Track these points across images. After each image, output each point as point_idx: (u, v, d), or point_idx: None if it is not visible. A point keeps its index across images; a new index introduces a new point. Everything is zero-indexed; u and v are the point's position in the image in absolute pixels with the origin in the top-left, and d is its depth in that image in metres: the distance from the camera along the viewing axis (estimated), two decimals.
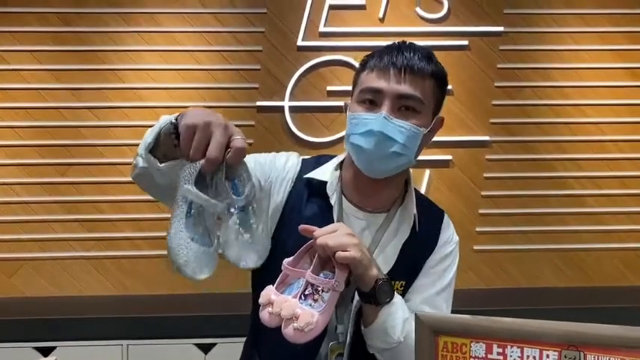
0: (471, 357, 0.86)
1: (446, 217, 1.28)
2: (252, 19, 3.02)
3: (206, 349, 2.50)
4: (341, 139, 3.00)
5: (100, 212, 2.98)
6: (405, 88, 1.08)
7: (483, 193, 3.05)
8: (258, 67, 3.01)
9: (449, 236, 1.25)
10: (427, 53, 1.13)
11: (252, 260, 0.95)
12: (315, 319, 0.93)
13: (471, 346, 0.86)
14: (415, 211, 1.19)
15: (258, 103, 3.01)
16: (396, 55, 1.10)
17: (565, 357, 0.81)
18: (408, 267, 1.19)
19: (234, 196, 0.87)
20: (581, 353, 0.80)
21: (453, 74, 3.04)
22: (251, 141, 2.95)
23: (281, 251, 1.07)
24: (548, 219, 3.07)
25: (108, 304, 2.85)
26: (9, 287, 2.95)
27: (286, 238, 1.16)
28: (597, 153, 3.08)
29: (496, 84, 3.07)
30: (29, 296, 2.95)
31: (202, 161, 0.83)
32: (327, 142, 3.00)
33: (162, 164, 0.92)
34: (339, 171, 1.23)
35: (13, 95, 2.95)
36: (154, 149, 0.94)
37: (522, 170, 3.05)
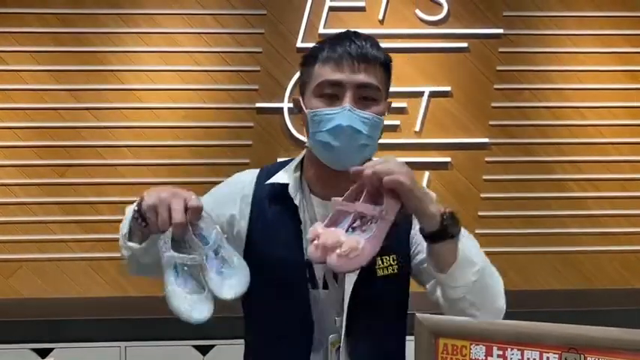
0: (471, 359, 0.86)
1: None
2: (251, 20, 3.02)
3: (204, 350, 2.48)
4: None
5: (99, 213, 2.98)
6: (363, 77, 1.09)
7: (482, 195, 3.05)
8: (258, 68, 3.01)
9: None
10: (375, 41, 1.14)
11: (239, 287, 1.01)
12: (361, 246, 0.90)
13: (471, 349, 0.86)
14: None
15: (258, 105, 3.00)
16: (348, 45, 1.09)
17: (565, 359, 0.81)
18: (394, 238, 1.14)
19: (205, 246, 0.99)
20: (582, 356, 0.80)
21: (452, 76, 3.04)
22: (250, 142, 2.95)
23: (259, 261, 1.12)
24: (547, 221, 3.07)
25: (106, 305, 2.84)
26: (7, 288, 2.94)
27: (261, 247, 1.18)
28: (597, 155, 3.08)
29: (495, 86, 3.07)
30: (27, 297, 2.94)
31: (171, 228, 0.95)
32: None
33: (142, 244, 1.04)
34: (299, 172, 1.23)
35: (12, 96, 2.95)
36: (131, 237, 1.06)
37: (522, 173, 3.05)
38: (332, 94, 1.09)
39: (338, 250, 0.90)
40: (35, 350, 2.46)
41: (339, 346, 1.15)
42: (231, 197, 1.23)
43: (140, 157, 2.99)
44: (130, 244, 1.05)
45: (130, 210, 1.05)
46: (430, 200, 0.97)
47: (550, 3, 3.08)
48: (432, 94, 3.02)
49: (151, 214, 0.96)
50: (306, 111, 1.14)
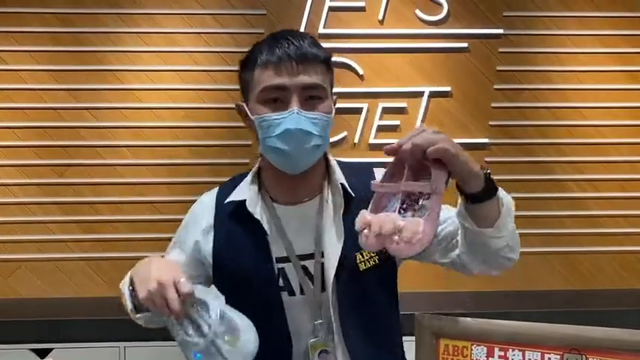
0: None
1: (375, 168, 1.26)
2: (251, 20, 3.02)
3: None
4: (340, 141, 3.00)
5: (98, 213, 2.97)
6: (306, 78, 1.08)
7: None
8: None
9: None
10: (312, 38, 1.13)
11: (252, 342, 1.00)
12: (422, 228, 0.85)
13: (472, 349, 0.86)
14: (343, 179, 1.18)
15: None
16: (287, 46, 1.08)
17: None
18: None
19: (210, 321, 0.97)
20: (583, 356, 0.80)
21: (452, 76, 3.04)
22: (250, 142, 2.94)
23: (230, 281, 1.13)
24: (547, 222, 3.07)
25: (105, 305, 2.83)
26: (6, 288, 2.94)
27: (230, 268, 1.17)
28: (596, 156, 3.08)
29: (495, 86, 3.07)
30: (26, 297, 2.93)
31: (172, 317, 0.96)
32: None
33: (149, 312, 1.06)
34: (256, 185, 1.21)
35: (11, 96, 2.94)
36: (136, 308, 1.08)
37: (521, 173, 3.04)
38: (277, 98, 1.08)
39: (397, 236, 0.85)
40: (34, 350, 2.46)
41: (322, 350, 1.13)
42: (194, 224, 1.24)
43: (140, 157, 2.98)
44: (139, 315, 1.08)
45: (125, 289, 1.08)
46: (473, 160, 0.94)
47: (550, 3, 3.08)
48: (432, 94, 3.02)
49: (148, 304, 0.97)
50: (252, 117, 1.11)
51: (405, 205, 0.91)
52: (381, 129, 3.00)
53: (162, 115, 2.99)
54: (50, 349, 2.46)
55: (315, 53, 1.10)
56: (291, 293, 1.15)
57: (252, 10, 3.01)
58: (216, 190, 1.27)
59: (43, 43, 2.95)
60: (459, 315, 0.93)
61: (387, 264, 1.18)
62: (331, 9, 3.01)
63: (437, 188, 0.88)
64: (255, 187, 1.20)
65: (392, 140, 2.99)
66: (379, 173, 1.23)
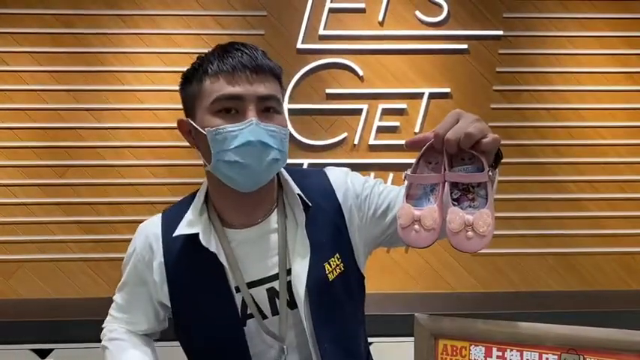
0: None
1: (325, 169, 1.22)
2: (251, 21, 3.03)
3: None
4: (340, 142, 3.00)
5: (98, 214, 2.98)
6: (262, 89, 1.01)
7: None
8: None
9: (339, 177, 1.19)
10: (263, 50, 1.07)
11: None
12: (491, 219, 0.83)
13: (470, 350, 0.86)
14: (297, 190, 1.12)
15: None
16: (240, 55, 1.02)
17: None
18: (330, 238, 1.13)
19: None
20: (581, 357, 0.80)
21: (451, 77, 3.05)
22: None
23: (191, 321, 1.12)
24: (546, 223, 3.07)
25: (105, 306, 2.83)
26: (7, 289, 2.94)
27: (188, 308, 1.13)
28: (596, 157, 3.08)
29: (495, 88, 3.07)
30: (27, 298, 2.94)
31: None
32: (326, 145, 3.00)
33: None
34: (205, 212, 1.13)
35: (11, 97, 2.95)
36: None
37: (521, 174, 3.05)
38: (231, 108, 1.00)
39: (472, 232, 0.82)
40: (35, 351, 2.47)
41: None
42: (145, 263, 1.15)
43: (140, 157, 2.99)
44: None
45: None
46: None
47: (549, 5, 3.08)
48: (432, 96, 3.03)
49: None
50: (203, 131, 1.01)
51: (455, 195, 0.87)
52: (381, 130, 3.00)
53: (163, 116, 3.00)
54: (51, 350, 2.46)
55: (269, 65, 1.04)
56: (264, 317, 1.11)
57: (253, 11, 3.02)
58: (159, 219, 1.18)
59: (43, 44, 2.96)
60: (457, 315, 0.93)
61: (351, 270, 1.15)
62: (331, 10, 3.02)
63: (492, 175, 0.85)
64: (206, 216, 1.12)
65: (392, 141, 2.99)
66: (330, 170, 1.21)
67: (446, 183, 0.86)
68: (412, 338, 0.96)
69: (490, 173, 0.84)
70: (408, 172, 0.90)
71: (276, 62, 1.08)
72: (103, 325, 1.27)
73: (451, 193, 0.86)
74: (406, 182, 0.91)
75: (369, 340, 1.32)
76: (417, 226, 0.85)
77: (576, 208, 3.08)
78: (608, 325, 0.81)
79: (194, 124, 1.04)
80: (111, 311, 1.27)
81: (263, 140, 0.99)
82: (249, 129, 0.98)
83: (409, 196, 0.90)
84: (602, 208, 3.09)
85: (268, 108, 1.03)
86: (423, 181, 0.89)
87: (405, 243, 0.88)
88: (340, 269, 1.12)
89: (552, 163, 3.08)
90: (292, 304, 1.10)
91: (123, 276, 1.22)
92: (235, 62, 1.01)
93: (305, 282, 1.07)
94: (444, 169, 0.86)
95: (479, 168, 0.85)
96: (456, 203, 0.86)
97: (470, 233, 0.82)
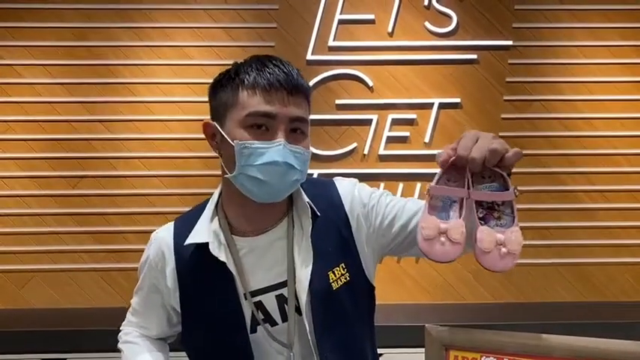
0: None
1: (334, 179, 1.23)
2: (262, 33, 3.05)
3: None
4: (350, 152, 3.01)
5: (110, 224, 3.00)
6: (295, 110, 1.03)
7: None
8: None
9: (347, 188, 1.20)
10: (297, 69, 1.07)
11: None
12: (521, 238, 0.84)
13: None
14: (307, 198, 1.13)
15: None
16: (278, 73, 1.03)
17: None
18: (336, 248, 1.13)
19: None
20: None
21: (461, 88, 3.05)
22: None
23: (200, 325, 1.13)
24: (558, 233, 3.06)
25: (117, 316, 2.84)
26: (19, 299, 2.97)
27: (198, 314, 1.14)
28: (607, 166, 3.07)
29: (505, 98, 3.07)
30: (39, 308, 2.96)
31: None
32: (336, 156, 3.01)
33: None
34: (217, 220, 1.14)
35: (26, 108, 2.99)
36: None
37: (532, 184, 3.04)
38: (262, 124, 1.01)
39: (504, 249, 0.82)
40: None
41: None
42: (158, 270, 1.18)
43: (152, 168, 3.01)
44: None
45: None
46: None
47: (559, 15, 3.09)
48: (442, 106, 3.03)
49: None
50: (232, 142, 1.02)
51: (480, 214, 0.87)
52: (391, 140, 3.01)
53: (174, 127, 3.02)
54: None
55: (304, 85, 1.05)
56: (274, 324, 1.11)
57: (263, 23, 3.05)
58: (171, 227, 1.20)
59: (57, 57, 3.01)
60: (468, 326, 0.93)
61: (358, 280, 1.15)
62: (341, 22, 3.04)
63: (516, 192, 0.86)
64: (217, 224, 1.13)
65: (402, 151, 2.99)
66: (339, 181, 1.22)
67: (472, 201, 0.87)
68: (423, 349, 0.96)
69: (516, 191, 0.85)
70: (432, 184, 0.89)
71: (306, 82, 1.09)
72: (120, 327, 1.32)
73: (477, 211, 0.86)
74: (427, 195, 0.90)
75: (379, 351, 1.32)
76: (443, 239, 0.84)
77: (588, 218, 3.06)
78: (621, 337, 0.81)
79: (222, 131, 1.05)
80: (128, 314, 1.31)
81: (288, 162, 1.01)
82: (277, 149, 1.00)
83: (434, 208, 0.89)
84: (614, 218, 3.06)
85: (296, 129, 1.04)
86: (450, 194, 0.88)
87: (427, 255, 0.87)
88: (346, 279, 1.12)
89: (564, 172, 3.07)
90: (300, 310, 1.10)
91: (139, 280, 1.25)
92: (273, 79, 1.02)
93: (307, 289, 1.08)
94: (468, 188, 0.86)
95: (502, 186, 0.86)
96: (483, 222, 0.85)
97: (503, 251, 0.82)
